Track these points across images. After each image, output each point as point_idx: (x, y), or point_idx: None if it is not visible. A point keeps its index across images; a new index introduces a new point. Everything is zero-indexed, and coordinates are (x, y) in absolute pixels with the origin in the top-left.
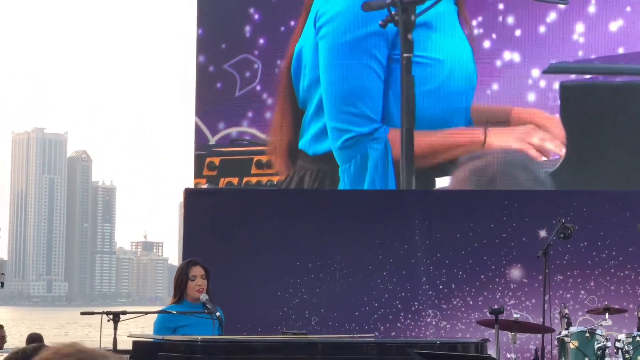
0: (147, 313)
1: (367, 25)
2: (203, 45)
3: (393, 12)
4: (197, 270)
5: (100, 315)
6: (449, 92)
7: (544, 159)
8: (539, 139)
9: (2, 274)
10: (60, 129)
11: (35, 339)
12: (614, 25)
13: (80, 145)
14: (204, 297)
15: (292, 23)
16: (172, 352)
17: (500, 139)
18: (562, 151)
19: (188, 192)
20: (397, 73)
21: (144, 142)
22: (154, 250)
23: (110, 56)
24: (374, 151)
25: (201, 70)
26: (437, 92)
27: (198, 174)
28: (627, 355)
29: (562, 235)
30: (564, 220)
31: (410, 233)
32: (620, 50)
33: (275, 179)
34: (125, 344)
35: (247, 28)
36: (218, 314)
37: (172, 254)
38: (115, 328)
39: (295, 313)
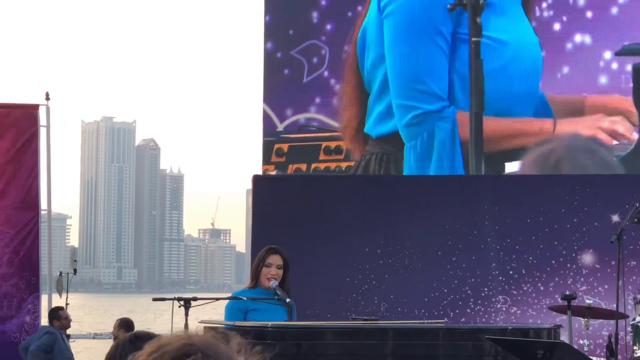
0: (217, 299)
1: (432, 2)
2: (271, 31)
3: None
4: (274, 259)
5: (171, 301)
6: (513, 74)
7: (615, 142)
8: (610, 122)
9: (75, 260)
10: (129, 117)
11: (129, 324)
12: None
13: (149, 134)
14: (273, 283)
15: (360, 8)
16: (242, 338)
17: (570, 127)
18: (634, 135)
19: (256, 179)
20: (461, 52)
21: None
22: (222, 237)
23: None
24: (441, 130)
25: (269, 56)
26: (500, 74)
27: (266, 160)
28: None
29: (636, 219)
30: (638, 205)
31: (479, 218)
32: None
33: (343, 165)
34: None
35: (314, 14)
36: (288, 300)
37: (240, 241)
38: (187, 314)
39: (364, 299)
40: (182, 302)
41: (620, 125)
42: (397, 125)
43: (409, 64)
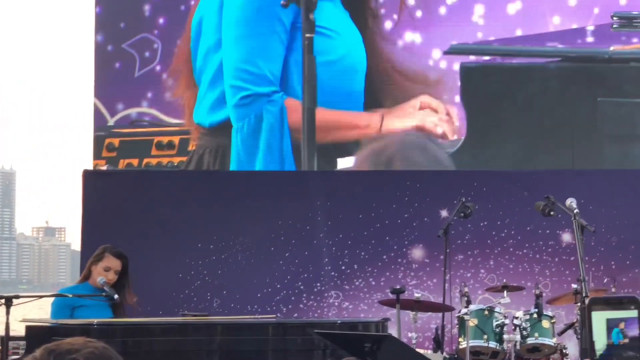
0: (41, 296)
1: None
2: (101, 24)
3: None
4: (113, 263)
5: None
6: (346, 68)
7: (440, 141)
8: (432, 121)
9: None
10: None
11: None
12: (512, 8)
13: None
14: (101, 280)
15: (192, 2)
16: (68, 337)
17: (397, 123)
18: (454, 136)
19: (87, 174)
20: (299, 42)
21: (42, 126)
22: (57, 235)
23: (4, 36)
24: (269, 114)
25: (99, 49)
26: (336, 65)
27: (97, 155)
28: (524, 332)
29: (462, 214)
30: (464, 200)
31: (312, 214)
32: (518, 32)
33: (176, 160)
34: (21, 330)
35: (147, 7)
36: (116, 296)
37: (75, 240)
38: (8, 313)
39: (197, 295)
40: (2, 301)
41: (445, 125)
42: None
43: (245, 46)
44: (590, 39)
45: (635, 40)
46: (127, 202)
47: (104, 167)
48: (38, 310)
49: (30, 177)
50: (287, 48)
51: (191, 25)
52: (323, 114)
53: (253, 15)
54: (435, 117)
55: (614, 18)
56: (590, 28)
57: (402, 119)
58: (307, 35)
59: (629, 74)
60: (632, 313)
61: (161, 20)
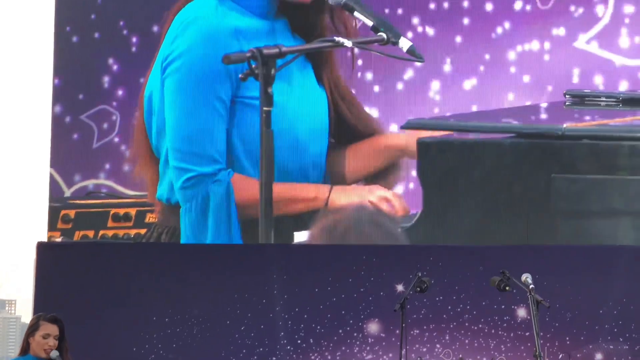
0: None
1: (212, 65)
2: (59, 95)
3: (253, 66)
4: (50, 329)
5: None
6: (299, 136)
7: (384, 214)
8: (379, 197)
9: None
10: None
11: None
12: (468, 84)
13: None
14: (54, 353)
15: (148, 73)
16: None
17: (344, 196)
18: (400, 213)
19: (41, 246)
20: (242, 115)
21: None
22: (7, 308)
23: None
24: (215, 194)
25: (57, 120)
26: (287, 134)
27: (52, 227)
28: None
29: (418, 289)
30: (420, 275)
31: (268, 287)
32: (474, 108)
33: (132, 232)
34: None
35: (106, 79)
36: None
37: (26, 312)
38: None
39: None
40: None
41: (395, 202)
42: None
43: (186, 128)
44: (544, 116)
45: (587, 117)
46: (81, 274)
47: (59, 239)
48: None
49: None
50: (229, 123)
51: (143, 100)
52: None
53: (190, 94)
54: (382, 192)
55: (567, 96)
56: (544, 105)
57: (348, 193)
58: (265, 108)
59: (582, 150)
60: None
61: (120, 92)
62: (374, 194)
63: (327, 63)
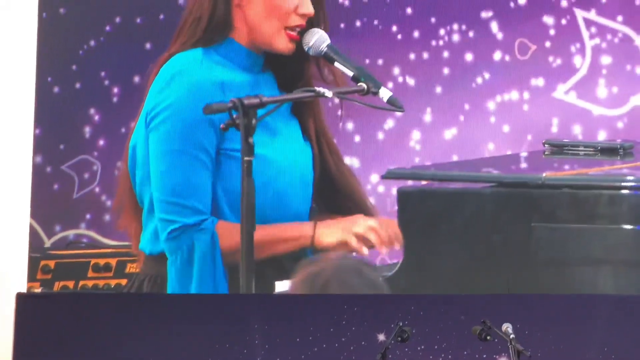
0: None
1: (197, 117)
2: (40, 145)
3: (234, 116)
4: None
5: None
6: (282, 188)
7: (365, 250)
8: (366, 228)
9: None
10: None
11: None
12: (449, 134)
13: None
14: None
15: (133, 124)
16: None
17: (329, 234)
18: (383, 249)
19: (20, 297)
20: (226, 167)
21: None
22: None
23: None
24: (200, 242)
25: (37, 170)
26: (269, 186)
27: (32, 277)
28: None
29: (399, 338)
30: (401, 324)
31: (249, 337)
32: (455, 158)
33: (112, 282)
34: None
35: (87, 129)
36: None
37: None
38: None
39: None
40: None
41: (373, 234)
42: None
43: (171, 180)
44: (524, 165)
45: (567, 167)
46: (61, 325)
47: (38, 290)
48: None
49: None
50: (213, 175)
51: (128, 150)
52: (257, 231)
53: (174, 146)
54: (365, 223)
55: (546, 145)
56: (524, 154)
57: (332, 230)
58: (246, 158)
59: (562, 199)
60: None
61: (101, 142)
62: (359, 225)
63: (313, 113)
